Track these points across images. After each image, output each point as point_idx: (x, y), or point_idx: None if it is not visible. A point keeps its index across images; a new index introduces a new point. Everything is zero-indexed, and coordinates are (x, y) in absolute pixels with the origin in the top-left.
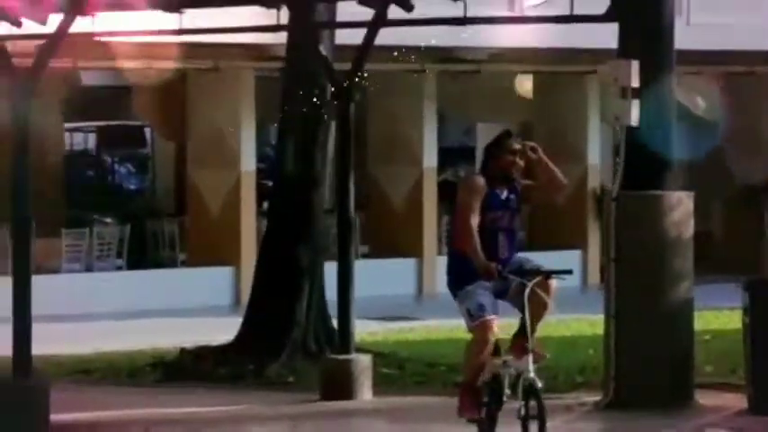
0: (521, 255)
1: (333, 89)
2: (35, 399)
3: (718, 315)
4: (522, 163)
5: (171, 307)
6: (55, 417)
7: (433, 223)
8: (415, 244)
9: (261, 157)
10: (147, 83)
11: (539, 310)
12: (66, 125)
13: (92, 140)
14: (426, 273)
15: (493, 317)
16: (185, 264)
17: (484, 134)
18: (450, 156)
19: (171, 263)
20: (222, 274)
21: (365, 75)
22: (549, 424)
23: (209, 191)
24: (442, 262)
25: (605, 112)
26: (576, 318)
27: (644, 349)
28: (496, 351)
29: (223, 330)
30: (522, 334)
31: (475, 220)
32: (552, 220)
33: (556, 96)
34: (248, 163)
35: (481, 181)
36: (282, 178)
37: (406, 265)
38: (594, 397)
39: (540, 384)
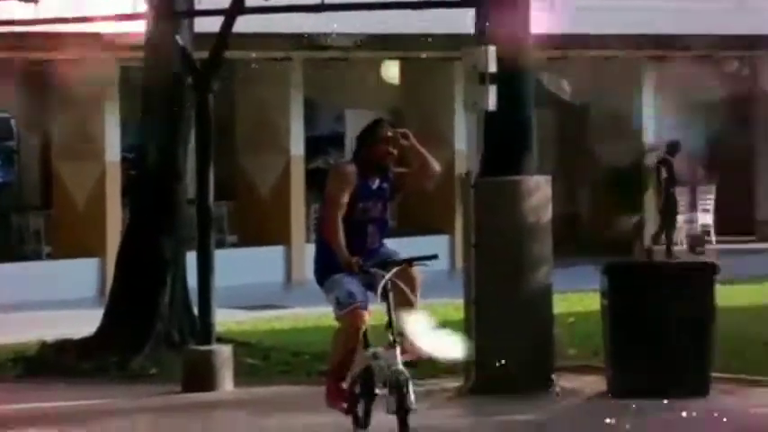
0: (389, 247)
1: (191, 79)
2: None
3: (582, 297)
4: (395, 152)
5: (36, 300)
6: None
7: (301, 211)
8: (282, 232)
9: (128, 148)
10: (11, 73)
11: (402, 301)
12: None
13: None
14: (295, 260)
15: (361, 304)
16: (50, 256)
17: (353, 121)
18: (320, 143)
19: (36, 255)
20: (87, 265)
21: (226, 64)
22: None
23: (74, 183)
24: (311, 249)
25: (465, 97)
26: (443, 302)
27: (504, 334)
28: (366, 342)
29: (89, 323)
30: (389, 326)
31: (341, 212)
32: (420, 206)
33: (423, 83)
34: (113, 154)
35: (352, 170)
36: (144, 169)
37: (274, 254)
38: (456, 383)
39: (406, 377)
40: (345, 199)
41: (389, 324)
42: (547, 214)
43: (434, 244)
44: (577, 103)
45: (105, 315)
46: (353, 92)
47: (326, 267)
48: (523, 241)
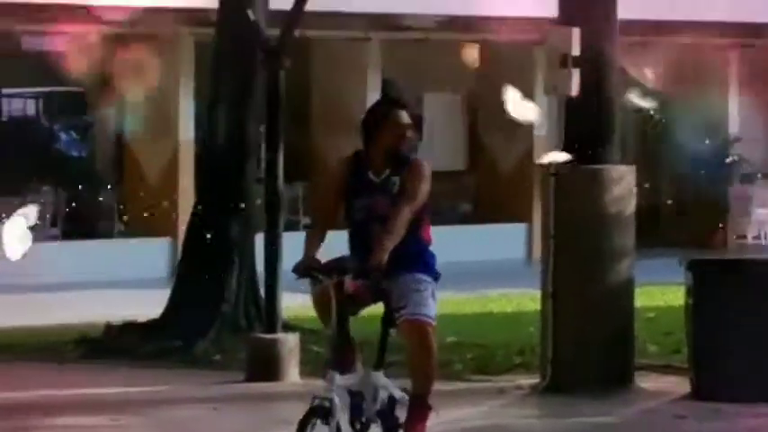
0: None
1: (262, 56)
2: None
3: (664, 291)
4: (411, 134)
5: (107, 279)
6: None
7: None
8: None
9: (199, 126)
10: (86, 48)
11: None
12: (4, 91)
13: (31, 107)
14: None
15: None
16: (122, 234)
17: (431, 104)
18: None
19: (108, 233)
20: (159, 245)
21: (303, 42)
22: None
23: (146, 160)
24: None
25: (546, 81)
26: (519, 293)
27: (582, 330)
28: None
29: (158, 304)
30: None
31: (322, 212)
32: (497, 193)
33: (502, 67)
34: (186, 131)
35: (340, 164)
36: (213, 148)
37: (344, 236)
38: (531, 380)
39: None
40: (329, 195)
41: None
42: (630, 205)
43: (511, 232)
44: (661, 90)
45: (171, 297)
46: (432, 74)
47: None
48: (605, 233)
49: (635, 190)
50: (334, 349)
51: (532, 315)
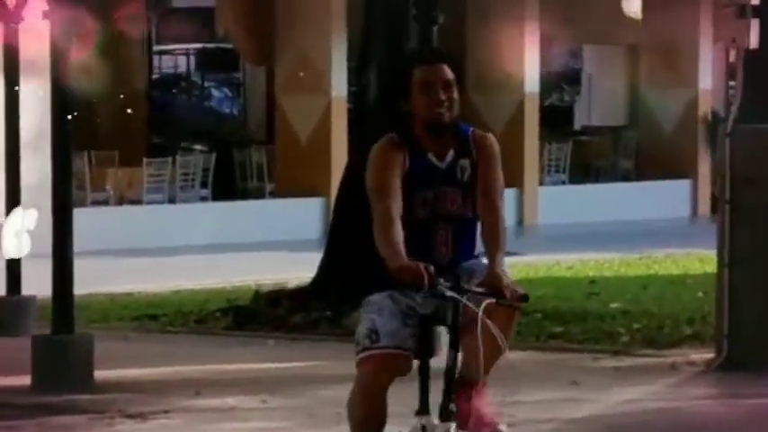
0: (477, 263)
1: (414, 12)
2: (76, 353)
3: None
4: (455, 95)
5: (258, 240)
6: (101, 372)
7: (535, 149)
8: (516, 172)
9: (353, 82)
10: (237, 5)
11: (485, 347)
12: (156, 48)
13: (182, 64)
14: (527, 204)
15: (390, 350)
16: (273, 194)
17: (591, 56)
18: (555, 80)
19: (258, 193)
20: (312, 205)
21: None
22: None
23: (298, 118)
24: (544, 193)
25: (720, 33)
26: (685, 253)
27: (762, 303)
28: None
29: (310, 267)
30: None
31: (393, 203)
32: (660, 148)
33: (665, 17)
34: (339, 88)
35: (389, 145)
36: (365, 105)
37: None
38: (705, 354)
39: None
40: (394, 183)
41: (448, 381)
42: None
43: (675, 189)
44: None
45: (322, 262)
46: (592, 26)
47: (372, 283)
48: None
49: None
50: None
51: (700, 278)
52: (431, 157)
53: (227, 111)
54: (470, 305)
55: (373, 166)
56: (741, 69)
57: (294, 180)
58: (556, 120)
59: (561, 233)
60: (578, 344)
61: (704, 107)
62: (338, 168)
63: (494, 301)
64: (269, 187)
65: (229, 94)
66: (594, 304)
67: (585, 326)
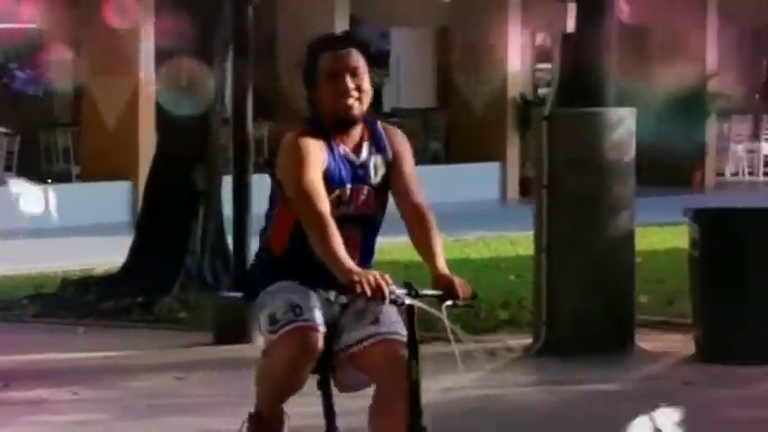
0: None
1: None
2: None
3: (645, 233)
4: (366, 85)
5: (65, 225)
6: None
7: None
8: None
9: None
10: None
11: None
12: None
13: None
14: None
15: (317, 324)
16: (80, 178)
17: (399, 39)
18: None
19: (65, 176)
20: (119, 189)
21: None
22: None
23: (105, 100)
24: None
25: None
26: (496, 236)
27: (580, 288)
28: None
29: (119, 251)
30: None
31: (327, 206)
32: (470, 132)
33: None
34: (147, 71)
35: (309, 138)
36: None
37: None
38: (523, 340)
39: None
40: (320, 181)
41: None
42: (630, 151)
43: (485, 172)
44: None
45: (132, 249)
46: (400, 8)
47: (264, 279)
48: (604, 182)
49: (634, 134)
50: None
51: (512, 261)
52: (346, 149)
53: (31, 92)
54: (433, 311)
55: (297, 162)
56: (558, 53)
57: (101, 163)
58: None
59: None
60: None
61: (513, 90)
62: (146, 152)
63: (451, 303)
64: (75, 170)
65: (33, 74)
66: None
67: None
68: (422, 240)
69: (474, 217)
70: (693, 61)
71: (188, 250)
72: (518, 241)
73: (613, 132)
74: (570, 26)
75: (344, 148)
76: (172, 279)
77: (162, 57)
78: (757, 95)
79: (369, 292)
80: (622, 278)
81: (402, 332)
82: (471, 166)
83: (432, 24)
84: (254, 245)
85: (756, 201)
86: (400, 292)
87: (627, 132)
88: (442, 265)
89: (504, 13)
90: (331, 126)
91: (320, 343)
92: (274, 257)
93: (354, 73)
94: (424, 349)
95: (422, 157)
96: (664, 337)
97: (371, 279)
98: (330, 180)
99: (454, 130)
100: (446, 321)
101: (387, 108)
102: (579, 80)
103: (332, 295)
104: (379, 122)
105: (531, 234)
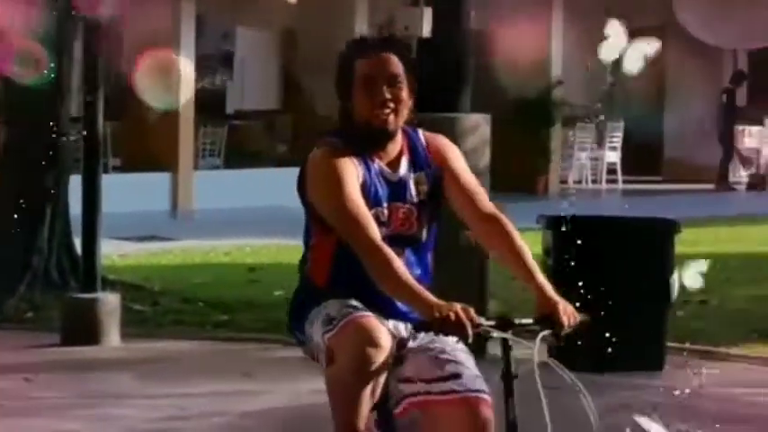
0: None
1: None
2: None
3: None
4: (404, 95)
5: None
6: None
7: (190, 135)
8: (170, 157)
9: None
10: None
11: None
12: None
13: None
14: (182, 188)
15: (374, 317)
16: None
17: (243, 40)
18: (209, 62)
19: None
20: None
21: None
22: (315, 379)
23: None
24: (199, 177)
25: (396, 21)
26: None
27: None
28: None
29: None
30: None
31: (377, 230)
32: (315, 134)
33: (321, 2)
34: None
35: (339, 155)
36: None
37: (160, 180)
38: None
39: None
40: (363, 203)
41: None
42: (485, 157)
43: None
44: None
45: None
46: (246, 9)
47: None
48: None
49: (489, 140)
50: None
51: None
52: (381, 165)
53: None
54: (525, 342)
55: (333, 183)
56: (415, 58)
57: None
58: (209, 103)
59: (217, 218)
60: (246, 333)
61: None
62: None
63: (549, 332)
64: None
65: None
66: (257, 292)
67: (251, 314)
68: (509, 255)
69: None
70: (538, 69)
71: (35, 250)
72: None
73: (468, 138)
74: (427, 30)
75: (380, 164)
76: (19, 279)
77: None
78: (599, 104)
79: (454, 332)
80: (474, 283)
81: (486, 389)
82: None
83: (277, 26)
84: (104, 246)
85: (600, 208)
86: (488, 324)
87: (481, 138)
88: (543, 282)
89: (352, 16)
90: (366, 140)
91: (388, 338)
92: (317, 289)
93: (392, 82)
94: (275, 352)
95: (268, 160)
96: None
97: (452, 315)
98: (365, 199)
99: (300, 133)
100: (554, 364)
101: (230, 110)
102: (435, 86)
103: (402, 329)
104: (421, 132)
105: None
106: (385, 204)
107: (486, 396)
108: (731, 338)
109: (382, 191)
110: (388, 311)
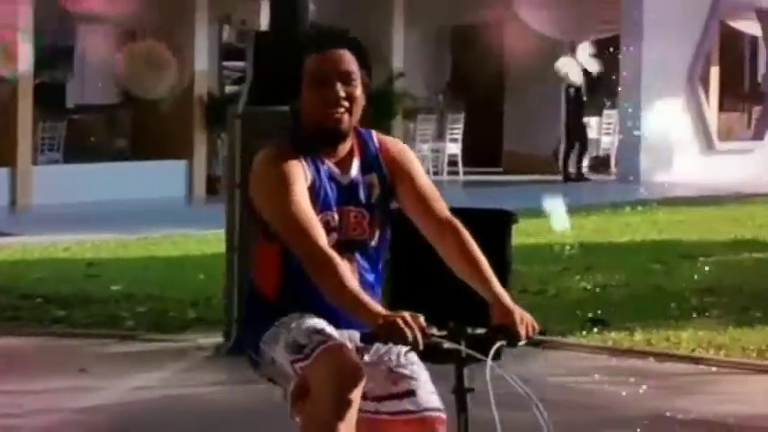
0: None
1: None
2: None
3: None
4: (358, 93)
5: None
6: None
7: (28, 130)
8: (8, 153)
9: None
10: None
11: None
12: None
13: None
14: (20, 183)
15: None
16: None
17: (83, 34)
18: (48, 56)
19: None
20: None
21: None
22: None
23: None
24: (38, 172)
25: (231, 14)
26: (182, 234)
27: None
28: None
29: None
30: None
31: (324, 237)
32: (156, 129)
33: None
34: None
35: (285, 158)
36: None
37: None
38: (213, 339)
39: None
40: (310, 208)
41: None
42: None
43: (171, 169)
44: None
45: None
46: (87, 3)
47: (261, 323)
48: None
49: None
50: None
51: (200, 260)
52: (332, 167)
53: None
54: (478, 355)
55: (277, 187)
56: (251, 51)
57: None
58: (48, 98)
59: (57, 213)
60: (83, 329)
61: (200, 88)
62: None
63: (505, 343)
64: None
65: None
66: (95, 287)
67: (89, 310)
68: (463, 262)
69: (160, 214)
70: (380, 61)
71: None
72: (204, 240)
73: None
74: (264, 24)
75: (330, 165)
76: None
77: None
78: (441, 96)
79: (401, 341)
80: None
81: (441, 406)
82: (157, 164)
83: (118, 19)
84: None
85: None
86: (439, 333)
87: None
88: (499, 291)
89: (192, 9)
90: (316, 140)
91: (360, 364)
92: (269, 302)
93: (346, 79)
94: (113, 348)
95: (108, 154)
96: None
97: (399, 322)
98: (314, 203)
99: (140, 128)
100: (508, 376)
101: (70, 104)
102: (273, 78)
103: (358, 338)
104: (374, 134)
105: (218, 232)
106: (335, 209)
107: (441, 414)
108: (567, 327)
109: (332, 194)
110: (340, 321)
